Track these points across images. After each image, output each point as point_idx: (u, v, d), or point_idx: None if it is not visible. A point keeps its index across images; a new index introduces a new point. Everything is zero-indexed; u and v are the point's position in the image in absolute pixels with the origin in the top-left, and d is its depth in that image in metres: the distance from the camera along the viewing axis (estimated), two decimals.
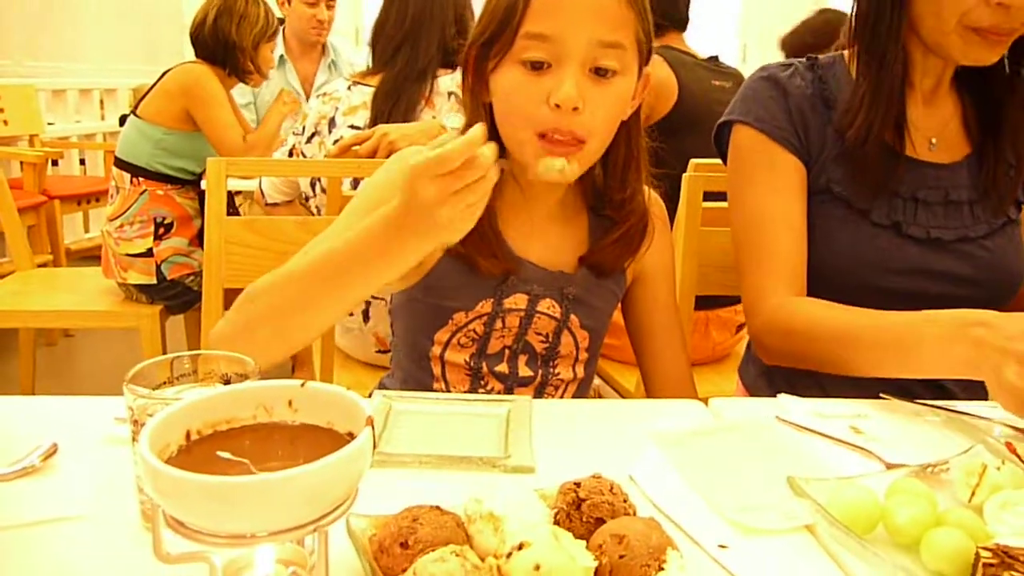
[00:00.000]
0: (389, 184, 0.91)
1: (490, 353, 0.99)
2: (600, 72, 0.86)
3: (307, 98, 3.13)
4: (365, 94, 1.85)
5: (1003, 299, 1.06)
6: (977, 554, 0.54)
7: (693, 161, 1.49)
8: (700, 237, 1.34)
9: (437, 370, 1.00)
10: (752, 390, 1.18)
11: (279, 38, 2.48)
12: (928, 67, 1.02)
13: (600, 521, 0.55)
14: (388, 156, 1.63)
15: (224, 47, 2.31)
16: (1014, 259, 1.05)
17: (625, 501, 0.57)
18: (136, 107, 2.33)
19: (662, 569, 0.50)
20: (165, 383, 0.60)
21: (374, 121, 1.77)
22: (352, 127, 1.86)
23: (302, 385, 0.50)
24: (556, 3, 0.84)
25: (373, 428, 0.45)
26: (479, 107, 0.93)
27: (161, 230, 2.21)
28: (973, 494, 0.65)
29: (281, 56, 3.09)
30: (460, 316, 0.96)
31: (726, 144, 1.09)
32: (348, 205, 0.93)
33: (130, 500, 0.60)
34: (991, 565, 0.53)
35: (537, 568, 0.47)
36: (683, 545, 0.57)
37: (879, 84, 0.99)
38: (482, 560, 0.50)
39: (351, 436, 0.46)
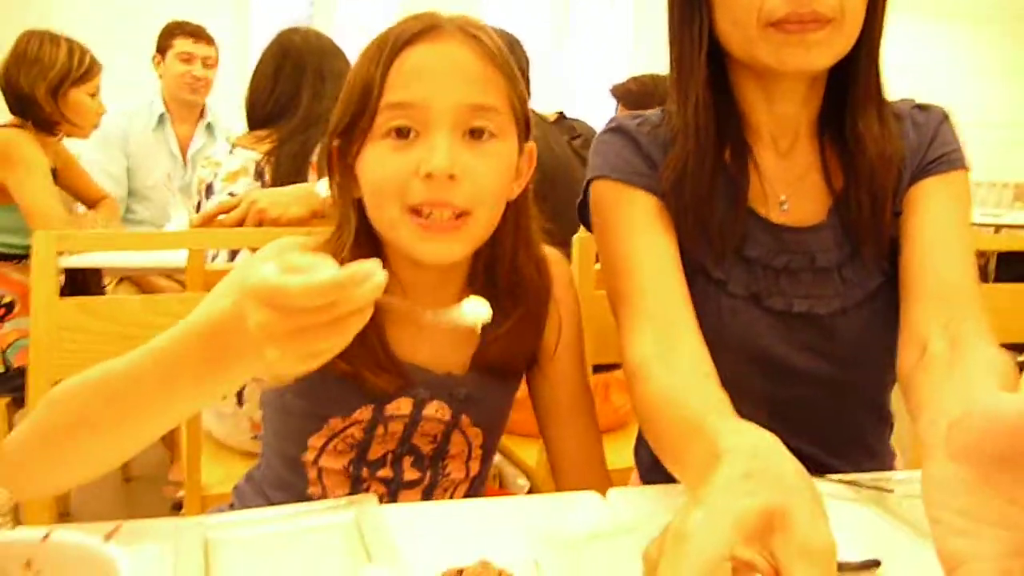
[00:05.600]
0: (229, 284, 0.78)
1: (371, 459, 0.87)
2: (475, 133, 0.78)
3: (185, 163, 2.97)
4: (246, 159, 1.72)
5: (881, 373, 0.93)
6: None
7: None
8: (594, 300, 1.26)
9: (312, 475, 0.88)
10: (647, 477, 1.06)
11: (99, 80, 2.20)
12: (778, 119, 0.90)
13: None
14: (258, 225, 1.49)
15: (19, 99, 2.08)
16: (890, 328, 0.86)
17: None
18: None
19: None
20: None
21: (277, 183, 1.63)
22: (231, 195, 1.72)
23: (44, 539, 0.37)
24: (416, 69, 0.77)
25: None
26: (349, 204, 0.83)
27: (2, 311, 1.97)
28: None
29: (161, 115, 2.92)
30: (336, 422, 0.85)
31: (588, 209, 0.95)
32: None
33: None
34: None
35: None
36: None
37: (690, 116, 0.87)
38: None
39: None
